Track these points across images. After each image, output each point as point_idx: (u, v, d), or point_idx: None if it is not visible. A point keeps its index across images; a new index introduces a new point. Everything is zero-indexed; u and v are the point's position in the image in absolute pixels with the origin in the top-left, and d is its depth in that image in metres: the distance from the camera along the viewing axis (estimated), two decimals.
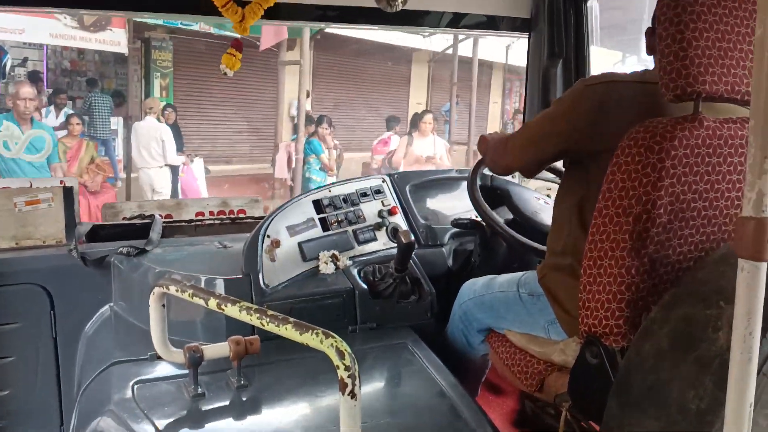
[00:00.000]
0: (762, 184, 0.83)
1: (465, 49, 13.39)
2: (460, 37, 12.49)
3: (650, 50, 1.59)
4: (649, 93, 1.45)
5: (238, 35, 2.10)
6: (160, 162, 7.53)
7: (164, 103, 9.07)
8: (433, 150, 7.99)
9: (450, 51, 13.47)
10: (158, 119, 7.78)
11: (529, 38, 2.68)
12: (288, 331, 1.10)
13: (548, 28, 2.57)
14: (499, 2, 2.62)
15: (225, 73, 2.12)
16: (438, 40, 13.07)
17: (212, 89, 10.73)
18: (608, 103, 1.50)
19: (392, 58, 13.87)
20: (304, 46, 10.21)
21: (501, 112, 17.05)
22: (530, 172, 1.79)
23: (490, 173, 2.28)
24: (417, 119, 8.61)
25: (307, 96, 11.36)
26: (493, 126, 16.57)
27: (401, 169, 7.58)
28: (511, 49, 14.48)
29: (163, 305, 1.47)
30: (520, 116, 16.38)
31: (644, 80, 1.51)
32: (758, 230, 0.84)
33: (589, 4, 2.51)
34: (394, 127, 9.01)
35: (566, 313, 1.60)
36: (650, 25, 1.58)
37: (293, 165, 9.15)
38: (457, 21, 2.66)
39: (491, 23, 2.71)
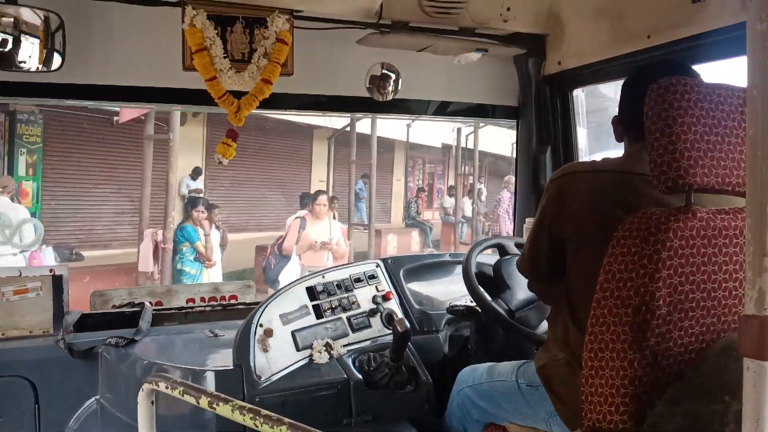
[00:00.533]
0: (762, 282, 0.83)
1: (364, 127, 12.95)
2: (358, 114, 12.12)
3: (618, 137, 1.71)
4: (605, 180, 1.57)
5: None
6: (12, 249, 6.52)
7: (31, 181, 8.48)
8: (328, 234, 7.09)
9: (349, 128, 13.13)
10: (12, 199, 6.98)
11: (517, 125, 2.75)
12: None
13: (536, 115, 2.65)
14: (487, 91, 2.70)
15: (220, 162, 2.14)
16: (337, 117, 12.36)
17: (88, 167, 9.90)
18: (567, 193, 1.61)
19: (293, 135, 13.49)
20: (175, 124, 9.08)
21: (405, 190, 17.06)
22: (539, 276, 1.79)
23: (488, 262, 2.27)
24: (309, 200, 7.53)
25: (198, 174, 10.77)
26: (397, 204, 16.54)
27: (293, 255, 7.00)
28: (411, 128, 14.66)
29: (152, 402, 1.42)
30: (424, 194, 16.55)
31: (602, 169, 1.61)
32: (762, 329, 0.83)
33: (575, 93, 2.59)
34: (308, 205, 7.56)
35: (565, 405, 1.57)
36: (617, 114, 1.70)
37: (161, 255, 8.06)
38: (446, 109, 2.73)
39: (480, 110, 2.79)
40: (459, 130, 15.75)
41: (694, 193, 1.30)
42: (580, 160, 2.66)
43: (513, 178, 3.24)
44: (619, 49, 2.21)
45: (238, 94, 2.10)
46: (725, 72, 1.98)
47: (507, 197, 11.48)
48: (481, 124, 13.79)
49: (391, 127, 13.95)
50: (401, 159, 17.03)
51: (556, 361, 1.61)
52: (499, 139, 14.50)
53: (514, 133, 2.84)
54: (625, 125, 1.67)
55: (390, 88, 2.44)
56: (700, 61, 1.96)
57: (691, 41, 1.92)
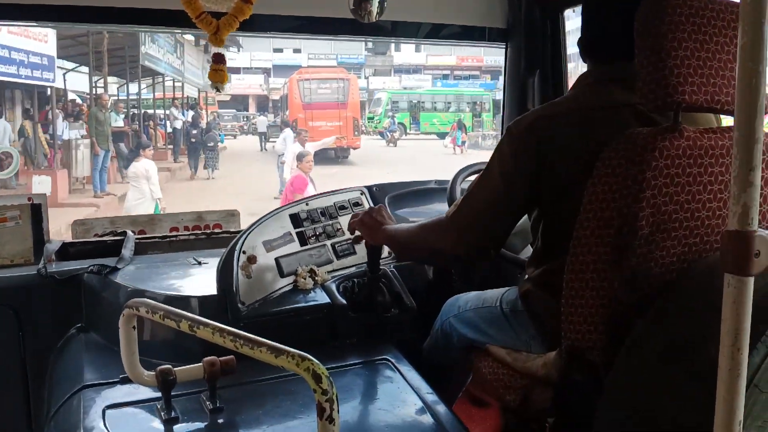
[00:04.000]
0: (747, 198, 0.82)
1: None
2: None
3: (584, 60, 1.60)
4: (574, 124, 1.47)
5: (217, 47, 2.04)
6: None
7: None
8: None
9: None
10: None
11: (506, 49, 2.68)
12: (263, 354, 1.06)
13: (525, 38, 2.57)
14: (475, 13, 2.61)
15: (217, 90, 2.07)
16: None
17: None
18: (541, 141, 1.48)
19: None
20: None
21: None
22: (498, 244, 1.63)
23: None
24: None
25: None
26: None
27: None
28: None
29: (134, 327, 1.41)
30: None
31: (566, 112, 1.52)
32: (744, 244, 0.82)
33: (565, 14, 2.52)
34: None
35: (544, 327, 1.59)
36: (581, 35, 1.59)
37: None
38: (432, 31, 2.65)
39: (467, 34, 2.71)
40: None
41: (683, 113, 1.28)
42: (569, 85, 2.61)
43: None
44: None
45: (217, 16, 2.02)
46: None
47: None
48: None
49: None
50: None
51: (537, 284, 1.61)
52: None
53: None
54: (590, 45, 1.58)
55: (375, 9, 2.35)
56: None
57: None
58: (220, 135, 20.57)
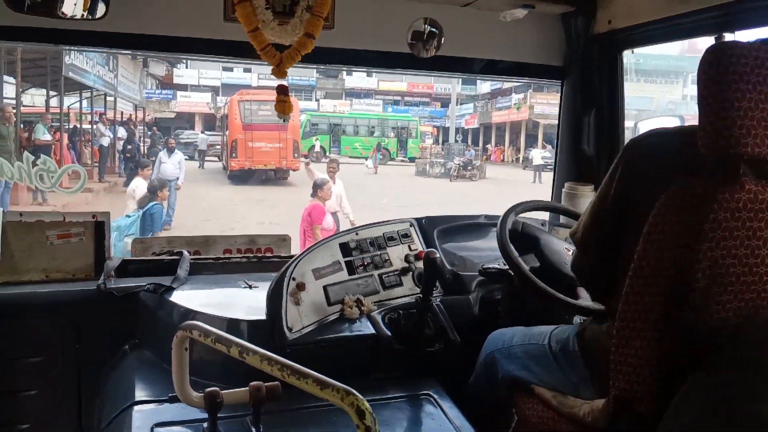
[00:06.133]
0: None
1: None
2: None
3: None
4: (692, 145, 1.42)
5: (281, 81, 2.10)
6: None
7: None
8: None
9: None
10: None
11: (561, 86, 2.68)
12: (309, 385, 1.08)
13: (582, 76, 2.57)
14: (532, 50, 2.62)
15: (284, 120, 2.15)
16: None
17: None
18: (651, 154, 1.47)
19: None
20: None
21: None
22: (596, 253, 1.63)
23: (521, 220, 2.25)
24: None
25: None
26: None
27: None
28: None
29: (186, 348, 1.46)
30: None
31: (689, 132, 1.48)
32: None
33: (624, 54, 2.50)
34: None
35: (597, 373, 1.55)
36: None
37: None
38: (489, 67, 2.67)
39: (524, 70, 2.72)
40: None
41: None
42: (626, 124, 2.58)
43: None
44: (673, 8, 2.11)
45: (279, 48, 2.09)
46: None
47: None
48: None
49: None
50: None
51: (598, 327, 1.59)
52: None
53: None
54: None
55: (432, 45, 2.39)
56: (757, 25, 1.87)
57: (748, 2, 1.83)
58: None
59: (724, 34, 2.02)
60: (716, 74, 1.24)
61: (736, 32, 2.00)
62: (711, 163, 1.28)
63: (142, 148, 19.60)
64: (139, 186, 9.34)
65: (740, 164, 1.25)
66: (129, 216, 7.60)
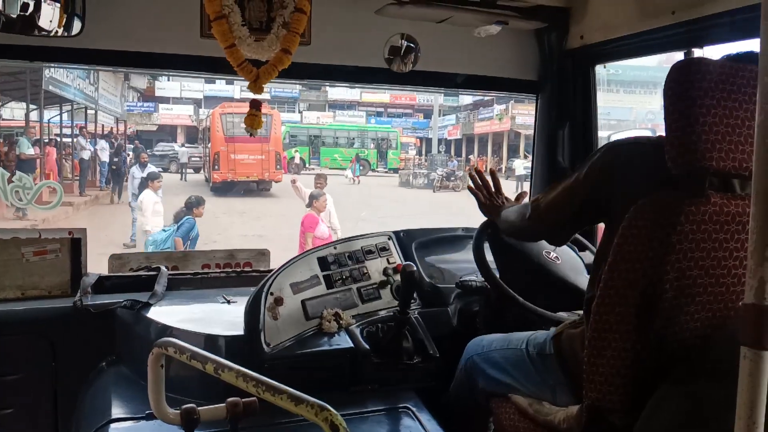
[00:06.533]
0: (763, 272, 0.82)
1: None
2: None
3: None
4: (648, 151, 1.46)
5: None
6: None
7: None
8: None
9: None
10: None
11: (536, 100, 2.72)
12: (283, 401, 1.09)
13: (556, 91, 2.61)
14: (507, 65, 2.66)
15: (251, 134, 2.16)
16: None
17: None
18: (628, 161, 1.49)
19: None
20: None
21: None
22: (556, 236, 1.79)
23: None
24: None
25: None
26: None
27: None
28: None
29: (162, 365, 1.45)
30: None
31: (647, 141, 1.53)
32: (759, 318, 0.82)
33: (597, 68, 2.55)
34: None
35: (572, 378, 1.57)
36: None
37: None
38: (466, 82, 2.70)
39: (499, 84, 2.76)
40: None
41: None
42: (599, 137, 2.62)
43: None
44: (644, 24, 2.16)
45: (256, 63, 2.10)
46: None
47: None
48: None
49: None
50: None
51: (574, 331, 1.61)
52: None
53: None
54: None
55: (409, 60, 2.42)
56: (725, 41, 1.91)
57: (716, 19, 1.87)
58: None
59: (692, 49, 2.08)
60: (682, 90, 1.28)
61: (704, 47, 2.06)
62: (678, 176, 1.31)
63: (128, 160, 19.30)
64: (147, 198, 9.33)
65: (706, 178, 1.28)
66: (165, 230, 7.68)
